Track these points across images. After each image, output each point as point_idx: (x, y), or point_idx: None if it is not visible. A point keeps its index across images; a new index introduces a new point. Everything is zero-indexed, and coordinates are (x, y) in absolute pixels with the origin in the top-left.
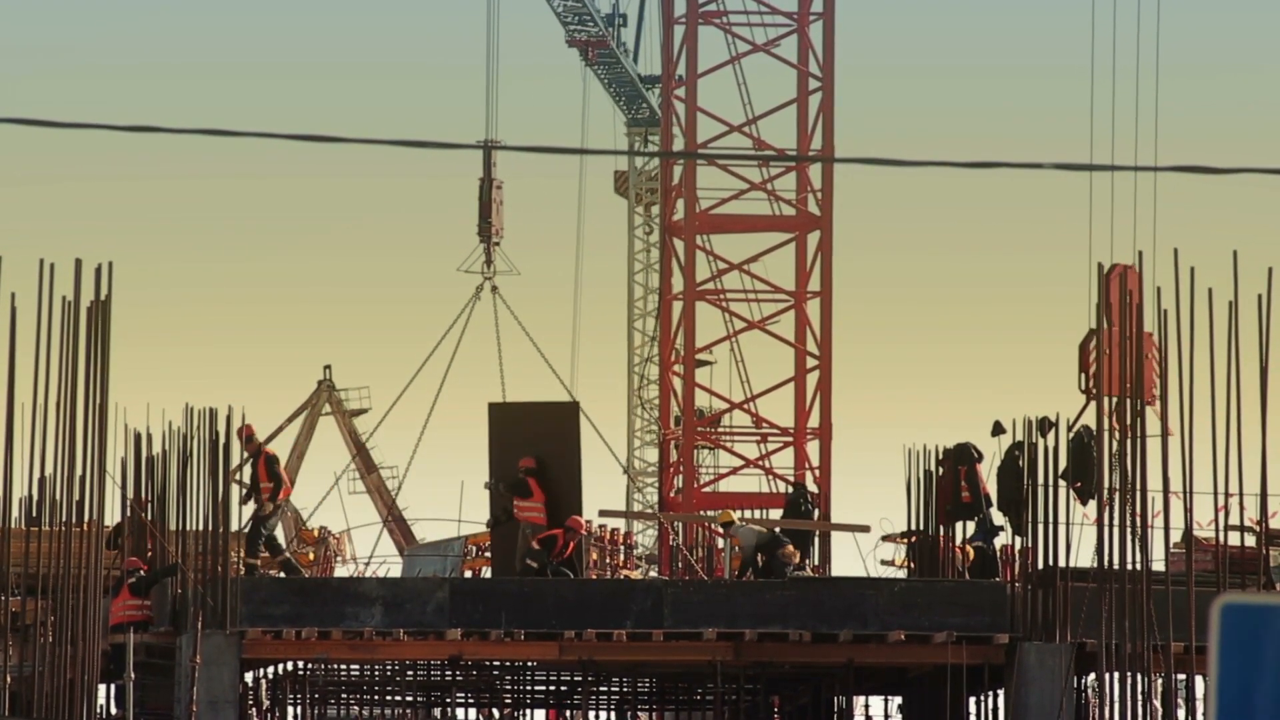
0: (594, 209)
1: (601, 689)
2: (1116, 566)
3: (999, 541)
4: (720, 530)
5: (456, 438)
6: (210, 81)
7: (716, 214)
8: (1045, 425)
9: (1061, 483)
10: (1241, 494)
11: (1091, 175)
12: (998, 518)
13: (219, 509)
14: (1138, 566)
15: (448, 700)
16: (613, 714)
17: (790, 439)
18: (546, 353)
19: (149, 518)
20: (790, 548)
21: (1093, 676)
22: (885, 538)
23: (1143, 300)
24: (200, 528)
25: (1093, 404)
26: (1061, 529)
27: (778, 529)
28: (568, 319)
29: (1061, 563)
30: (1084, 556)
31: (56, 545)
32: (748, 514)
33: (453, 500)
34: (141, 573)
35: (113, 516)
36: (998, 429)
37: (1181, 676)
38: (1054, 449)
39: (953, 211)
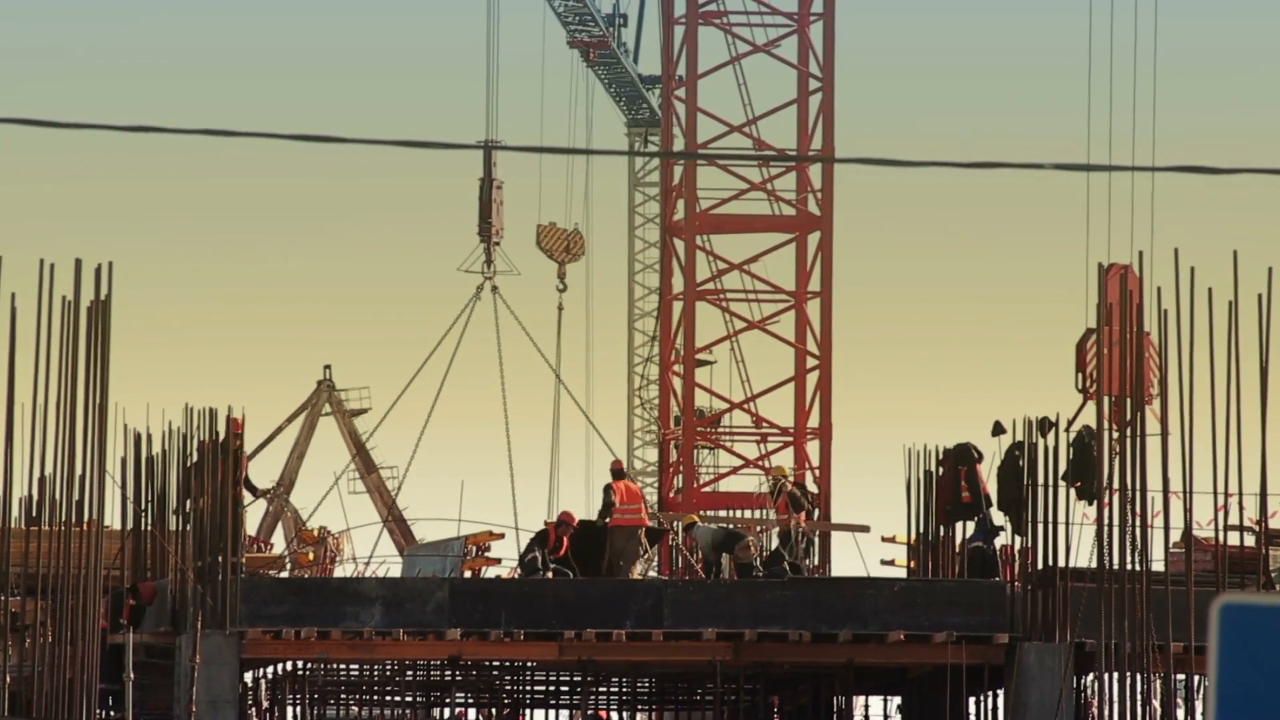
0: (593, 210)
1: (601, 689)
2: (1116, 566)
3: (999, 541)
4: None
5: (457, 438)
6: (210, 81)
7: (717, 214)
8: (1045, 425)
9: (1061, 483)
10: (1241, 494)
11: (1089, 175)
12: (998, 518)
13: (220, 508)
14: (1137, 566)
15: (447, 700)
16: (613, 714)
17: (790, 439)
18: (546, 353)
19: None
20: (749, 542)
21: (1092, 676)
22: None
23: (1142, 300)
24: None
25: (1091, 403)
26: (1061, 529)
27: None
28: (568, 319)
29: (1061, 563)
30: (1084, 556)
31: (56, 545)
32: (748, 514)
33: (453, 500)
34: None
35: (113, 517)
36: (998, 429)
37: (1181, 676)
38: (1054, 449)
39: (952, 211)
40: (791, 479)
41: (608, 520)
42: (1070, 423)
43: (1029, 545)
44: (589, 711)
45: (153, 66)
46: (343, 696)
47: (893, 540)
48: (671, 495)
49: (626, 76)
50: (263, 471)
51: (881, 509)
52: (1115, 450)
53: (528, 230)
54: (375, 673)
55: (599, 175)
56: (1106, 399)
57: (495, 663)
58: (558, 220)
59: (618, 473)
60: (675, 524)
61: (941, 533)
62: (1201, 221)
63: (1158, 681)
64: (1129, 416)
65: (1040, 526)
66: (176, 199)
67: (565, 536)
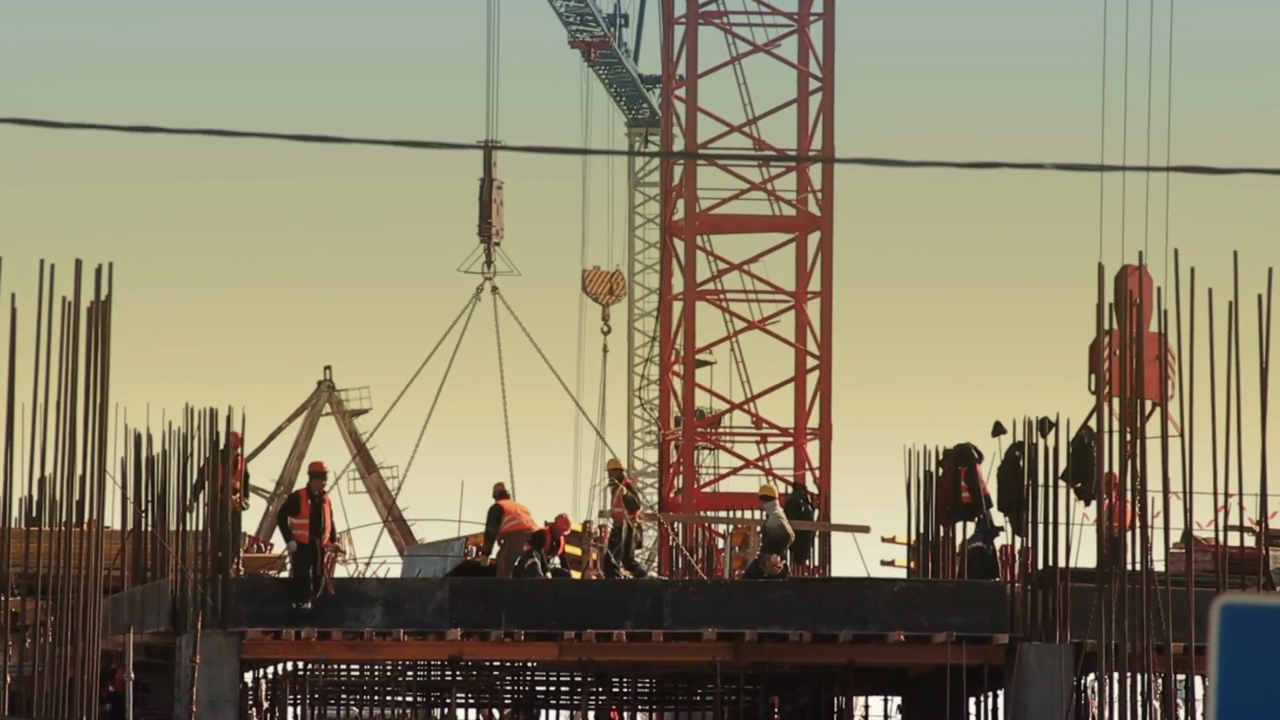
0: (593, 210)
1: (601, 689)
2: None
3: (999, 542)
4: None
5: (456, 438)
6: (210, 81)
7: (717, 214)
8: (1045, 425)
9: (1061, 483)
10: (1241, 494)
11: (1103, 176)
12: (998, 518)
13: (219, 508)
14: (1138, 566)
15: (448, 700)
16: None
17: (790, 439)
18: (546, 353)
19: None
20: (776, 558)
21: (1092, 676)
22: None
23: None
24: (200, 528)
25: (1103, 405)
26: (1061, 529)
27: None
28: (568, 319)
29: (1061, 563)
30: (1084, 557)
31: (56, 545)
32: (748, 515)
33: (453, 500)
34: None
35: (113, 517)
36: (998, 429)
37: (1181, 676)
38: (1054, 449)
39: (953, 212)
40: (627, 474)
41: (498, 537)
42: (1083, 425)
43: (1029, 545)
44: (600, 711)
45: (153, 66)
46: (343, 697)
47: (893, 540)
48: (672, 495)
49: (627, 76)
50: (263, 471)
51: (881, 509)
52: (1129, 451)
53: (529, 233)
54: (375, 673)
55: (598, 175)
56: (1115, 400)
57: (495, 663)
58: (601, 264)
59: (503, 493)
60: (675, 525)
61: (941, 533)
62: (1201, 221)
63: (1158, 681)
64: (1141, 418)
65: (1040, 527)
66: (176, 199)
67: (561, 538)
